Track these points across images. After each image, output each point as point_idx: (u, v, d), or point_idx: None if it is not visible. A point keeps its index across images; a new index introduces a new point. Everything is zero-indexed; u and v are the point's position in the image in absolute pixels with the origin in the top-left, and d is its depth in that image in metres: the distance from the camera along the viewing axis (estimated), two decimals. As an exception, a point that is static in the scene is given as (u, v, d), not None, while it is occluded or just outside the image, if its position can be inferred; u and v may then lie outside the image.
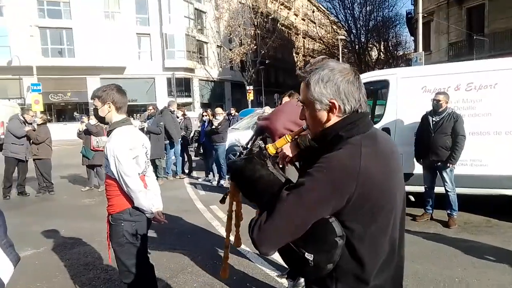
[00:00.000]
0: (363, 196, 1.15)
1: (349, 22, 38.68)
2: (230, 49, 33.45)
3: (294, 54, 50.81)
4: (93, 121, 8.10)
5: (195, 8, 33.77)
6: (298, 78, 1.35)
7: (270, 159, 1.35)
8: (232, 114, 14.69)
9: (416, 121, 5.44)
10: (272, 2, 39.04)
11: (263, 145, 1.37)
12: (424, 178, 5.42)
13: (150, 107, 9.54)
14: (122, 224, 2.56)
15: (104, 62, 27.76)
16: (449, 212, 5.21)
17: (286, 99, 3.82)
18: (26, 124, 8.04)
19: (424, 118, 5.28)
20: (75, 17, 28.01)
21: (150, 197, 2.67)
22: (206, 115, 9.65)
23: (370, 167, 1.16)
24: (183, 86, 32.24)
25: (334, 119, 1.26)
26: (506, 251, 4.25)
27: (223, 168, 8.50)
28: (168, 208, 6.07)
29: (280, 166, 1.50)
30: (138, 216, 2.61)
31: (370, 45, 41.43)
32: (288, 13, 43.99)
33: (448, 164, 5.05)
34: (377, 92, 8.45)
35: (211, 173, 9.29)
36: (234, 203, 1.54)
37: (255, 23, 35.06)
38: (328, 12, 45.25)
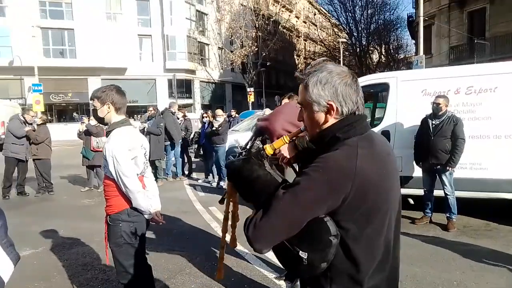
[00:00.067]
0: (359, 197, 1.16)
1: (350, 25, 38.79)
2: (231, 51, 33.48)
3: (295, 57, 50.88)
4: (93, 121, 8.10)
5: (197, 10, 33.85)
6: (296, 80, 1.36)
7: (268, 160, 1.36)
8: (233, 116, 14.71)
9: (416, 124, 5.44)
10: (273, 5, 39.12)
11: (261, 146, 1.38)
12: (424, 181, 5.41)
13: (151, 108, 9.54)
14: (120, 225, 2.57)
15: (105, 63, 27.83)
16: (448, 215, 5.21)
17: (285, 101, 3.83)
18: (26, 124, 8.06)
19: (424, 121, 5.28)
20: (77, 18, 28.07)
21: (149, 198, 2.68)
22: (206, 117, 9.66)
23: (366, 168, 1.17)
24: (184, 88, 32.28)
25: (332, 120, 1.27)
26: (505, 254, 4.24)
27: (223, 169, 8.50)
28: (167, 209, 6.09)
29: (280, 164, 1.51)
30: (136, 217, 2.61)
31: (371, 48, 41.47)
32: (289, 15, 44.11)
33: (448, 168, 5.05)
34: (378, 95, 8.45)
35: (210, 174, 9.30)
36: (231, 203, 1.55)
37: (257, 25, 35.12)
38: (329, 15, 45.35)
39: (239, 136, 9.44)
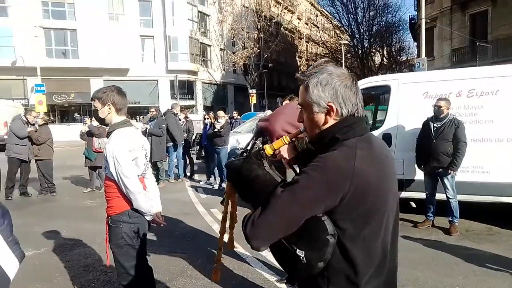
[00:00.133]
0: (357, 197, 1.17)
1: (352, 27, 38.79)
2: (233, 52, 33.54)
3: (297, 58, 50.87)
4: (95, 122, 8.11)
5: (199, 11, 33.92)
6: (297, 82, 1.37)
7: (267, 160, 1.37)
8: (235, 118, 14.70)
9: (417, 127, 5.43)
10: (275, 6, 39.16)
11: (260, 145, 1.39)
12: (425, 184, 5.40)
13: (152, 109, 9.55)
14: (121, 226, 2.57)
15: (107, 63, 27.91)
16: (450, 219, 5.19)
17: (286, 102, 3.84)
18: (29, 124, 8.08)
19: (425, 124, 5.28)
20: (79, 19, 28.16)
21: (149, 199, 2.68)
22: (208, 118, 9.67)
23: (365, 170, 1.18)
24: (186, 89, 32.33)
25: (331, 122, 1.28)
26: (508, 259, 4.22)
27: (225, 171, 8.50)
28: (169, 210, 6.10)
29: (283, 167, 1.51)
30: (137, 218, 2.61)
31: (373, 50, 41.45)
32: (291, 17, 44.14)
33: (449, 171, 5.03)
34: (379, 98, 8.44)
35: (212, 176, 9.30)
36: (230, 204, 1.55)
37: (259, 27, 35.16)
38: (331, 16, 45.33)
39: (240, 137, 9.45)
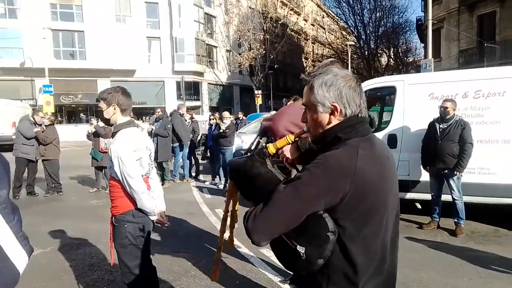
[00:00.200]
0: (358, 196, 1.18)
1: (359, 28, 38.58)
2: (239, 54, 33.58)
3: (303, 59, 50.80)
4: (101, 123, 8.17)
5: (205, 13, 34.05)
6: (302, 82, 1.39)
7: (270, 158, 1.39)
8: (240, 118, 14.73)
9: (423, 128, 5.41)
10: (281, 8, 39.17)
11: (264, 144, 1.41)
12: (431, 185, 5.37)
13: (158, 110, 9.60)
14: (125, 226, 2.59)
15: (114, 64, 28.14)
16: (456, 220, 5.15)
17: (291, 103, 3.84)
18: (36, 125, 8.16)
19: (431, 125, 5.25)
20: (87, 20, 28.44)
21: (153, 199, 2.70)
22: (213, 119, 9.70)
23: (366, 169, 1.20)
24: (192, 90, 32.45)
25: (335, 122, 1.30)
26: (513, 261, 4.18)
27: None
28: (173, 210, 6.13)
29: (287, 170, 1.52)
30: (141, 218, 2.63)
31: (380, 51, 41.24)
32: (297, 18, 44.12)
33: (455, 172, 5.00)
34: (385, 99, 8.41)
35: (217, 176, 9.32)
36: (231, 204, 1.56)
37: (265, 28, 35.19)
38: (337, 18, 45.23)
39: (245, 138, 9.46)
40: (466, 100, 5.32)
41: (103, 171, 8.56)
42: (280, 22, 37.20)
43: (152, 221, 2.74)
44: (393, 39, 40.00)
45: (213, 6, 35.11)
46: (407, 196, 5.73)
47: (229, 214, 1.62)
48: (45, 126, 8.33)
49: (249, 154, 1.42)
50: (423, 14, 30.30)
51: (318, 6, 52.75)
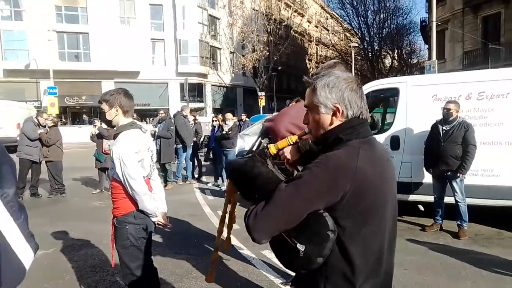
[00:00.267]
0: (358, 195, 1.20)
1: (363, 29, 38.53)
2: (243, 55, 33.66)
3: (306, 61, 50.79)
4: (105, 124, 8.21)
5: (209, 15, 34.14)
6: (305, 84, 1.41)
7: (271, 159, 1.39)
8: (243, 120, 14.73)
9: (426, 129, 5.39)
10: (285, 9, 39.22)
11: (265, 144, 1.42)
12: (434, 187, 5.34)
13: (161, 112, 9.63)
14: (127, 227, 2.60)
15: (118, 66, 28.28)
16: (459, 223, 5.12)
17: (293, 104, 3.83)
18: (40, 126, 8.21)
19: (434, 127, 5.22)
20: (91, 22, 28.62)
21: (155, 201, 2.71)
22: (216, 120, 9.71)
23: (367, 169, 1.21)
24: (195, 91, 32.54)
25: (336, 123, 1.32)
26: (517, 264, 4.15)
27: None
28: (176, 212, 6.14)
29: (289, 171, 1.53)
30: (142, 219, 2.64)
31: (384, 53, 41.15)
32: (301, 20, 44.11)
33: (458, 174, 4.98)
34: (388, 100, 8.38)
35: (220, 178, 9.32)
36: (229, 205, 1.56)
37: (268, 30, 35.25)
38: (341, 19, 45.17)
39: (248, 139, 9.46)
40: (469, 101, 5.30)
41: (106, 173, 8.59)
42: (283, 24, 37.26)
43: (154, 222, 2.75)
44: (397, 41, 39.88)
45: (217, 8, 35.21)
46: (409, 198, 5.70)
47: (227, 214, 1.62)
48: (49, 127, 8.37)
49: (250, 154, 1.43)
50: (427, 16, 30.26)
51: (322, 7, 52.74)
